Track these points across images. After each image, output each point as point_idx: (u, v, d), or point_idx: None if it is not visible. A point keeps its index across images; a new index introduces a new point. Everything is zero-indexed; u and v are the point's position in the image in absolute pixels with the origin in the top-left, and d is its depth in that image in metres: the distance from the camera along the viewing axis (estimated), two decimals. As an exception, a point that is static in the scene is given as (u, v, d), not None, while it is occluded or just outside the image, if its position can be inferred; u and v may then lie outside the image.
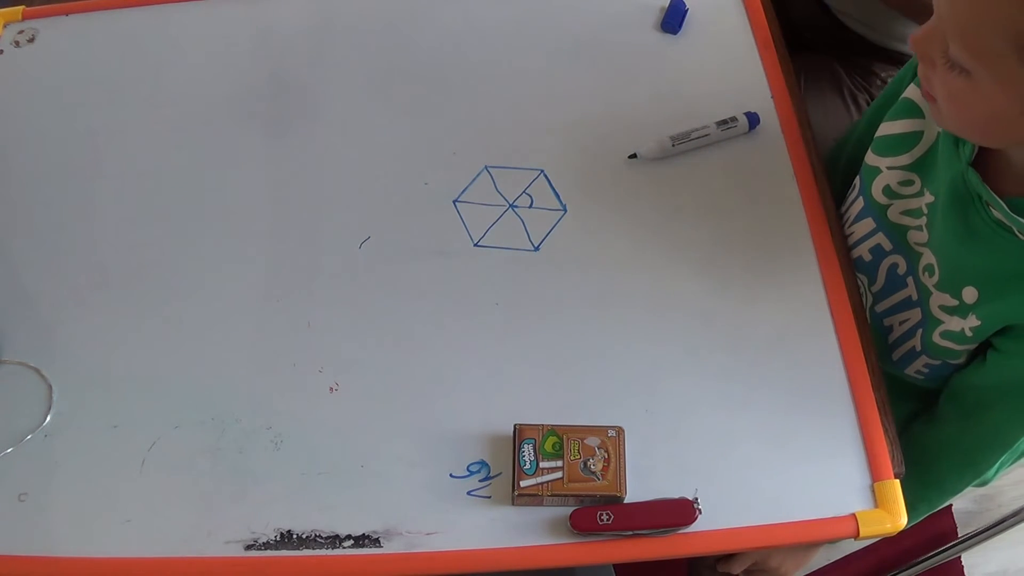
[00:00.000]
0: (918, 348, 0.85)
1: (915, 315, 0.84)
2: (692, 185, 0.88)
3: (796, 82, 0.94)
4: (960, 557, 1.34)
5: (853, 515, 0.72)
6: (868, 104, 1.17)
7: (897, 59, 1.18)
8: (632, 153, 0.89)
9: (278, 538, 0.72)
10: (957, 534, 1.36)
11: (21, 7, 1.02)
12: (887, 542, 1.24)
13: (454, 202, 0.88)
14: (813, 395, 0.77)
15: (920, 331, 0.84)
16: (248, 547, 0.72)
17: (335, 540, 0.72)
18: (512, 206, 0.87)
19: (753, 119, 0.89)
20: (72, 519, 0.74)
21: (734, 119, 0.89)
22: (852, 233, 0.87)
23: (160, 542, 0.72)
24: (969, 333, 0.77)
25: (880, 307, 0.88)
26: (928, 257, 0.80)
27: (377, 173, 0.90)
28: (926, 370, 0.87)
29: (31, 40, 1.00)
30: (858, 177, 0.87)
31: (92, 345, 0.81)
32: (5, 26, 1.01)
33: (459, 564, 0.71)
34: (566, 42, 0.97)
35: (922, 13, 0.65)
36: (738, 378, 0.78)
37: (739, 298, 0.82)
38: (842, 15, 1.19)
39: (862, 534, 0.72)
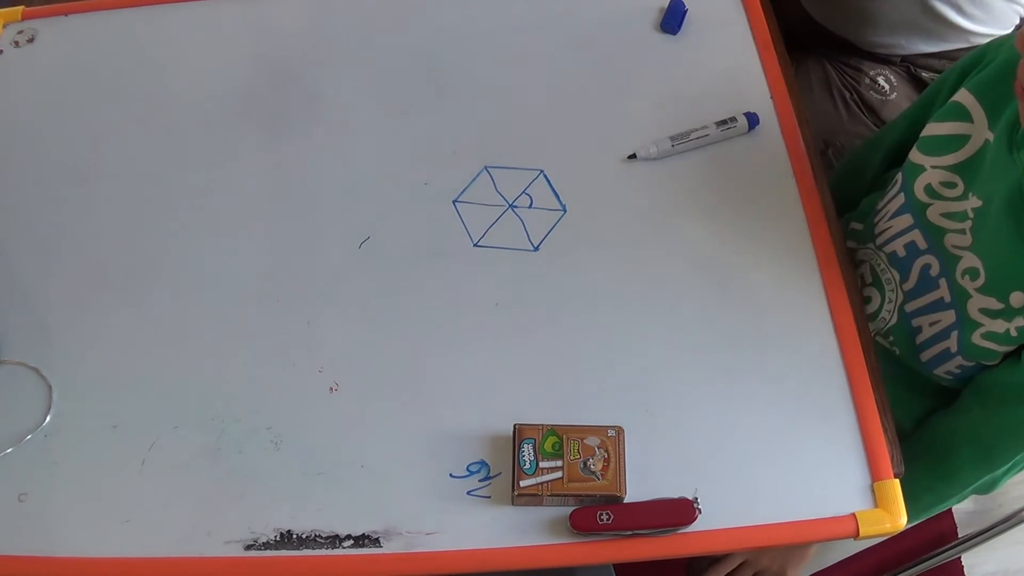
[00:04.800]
0: (953, 350, 0.85)
1: (948, 317, 0.84)
2: (692, 185, 0.88)
3: (795, 82, 0.94)
4: (960, 557, 1.34)
5: (853, 515, 0.72)
6: (857, 103, 1.18)
7: (884, 59, 1.19)
8: (631, 153, 0.89)
9: (278, 538, 0.72)
10: (957, 534, 1.36)
11: (21, 7, 1.02)
12: (887, 542, 1.24)
13: (454, 202, 0.88)
14: (813, 395, 0.77)
15: (955, 333, 0.84)
16: (248, 547, 0.72)
17: (335, 540, 0.72)
18: (512, 206, 0.87)
19: (753, 119, 0.89)
20: (72, 519, 0.74)
21: (733, 119, 0.89)
22: (889, 228, 0.88)
23: (160, 542, 0.72)
24: (1015, 333, 0.77)
25: (910, 307, 0.88)
26: (971, 261, 0.80)
27: (377, 173, 0.90)
28: (958, 371, 0.86)
29: (31, 40, 1.00)
30: (901, 173, 0.87)
31: (92, 345, 0.81)
32: (5, 26, 1.01)
33: (459, 564, 0.71)
34: (566, 42, 0.97)
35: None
36: (738, 378, 0.78)
37: (738, 298, 0.82)
38: (826, 23, 1.20)
39: (862, 534, 0.72)
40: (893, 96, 1.18)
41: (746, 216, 0.86)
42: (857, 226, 0.94)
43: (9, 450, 0.77)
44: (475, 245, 0.85)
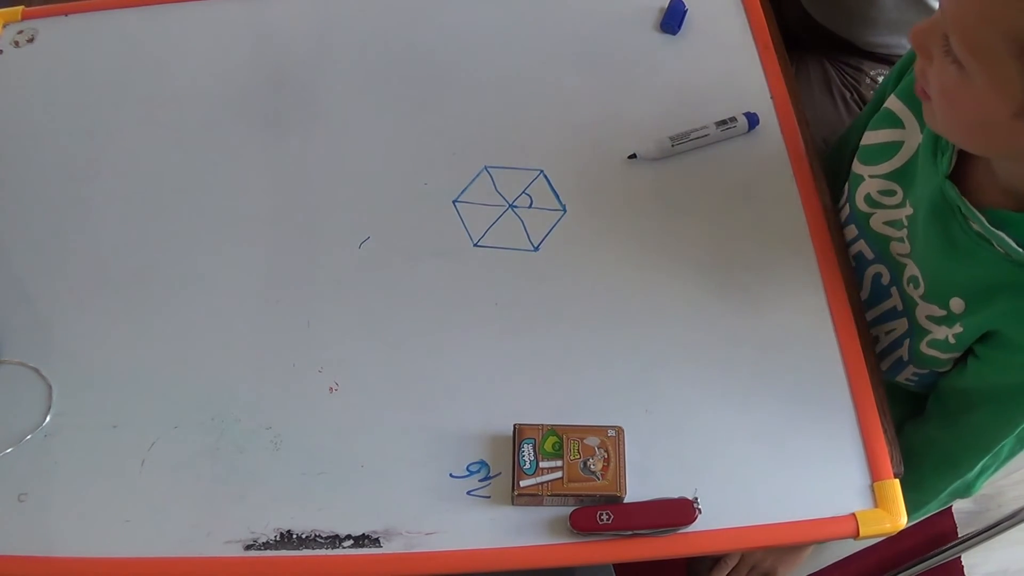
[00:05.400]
0: (905, 358, 0.85)
1: (901, 325, 0.84)
2: (691, 185, 0.88)
3: (795, 82, 0.94)
4: (960, 557, 1.34)
5: (853, 515, 0.72)
6: (857, 103, 1.18)
7: (885, 59, 1.19)
8: (632, 153, 0.89)
9: (278, 538, 0.72)
10: (957, 534, 1.36)
11: (21, 7, 1.02)
12: (887, 542, 1.24)
13: (454, 202, 0.88)
14: (813, 395, 0.77)
15: (907, 341, 0.84)
16: (248, 547, 0.72)
17: (335, 540, 0.72)
18: (512, 206, 0.87)
19: (752, 119, 0.89)
20: (72, 519, 0.74)
21: (733, 119, 0.89)
22: None
23: (160, 542, 0.72)
24: (952, 340, 0.77)
25: (867, 316, 0.88)
26: (912, 269, 0.80)
27: (377, 173, 0.90)
28: (915, 378, 0.87)
29: (31, 40, 1.00)
30: (847, 183, 0.87)
31: (92, 345, 0.81)
32: (5, 26, 1.01)
33: (459, 564, 0.71)
34: (566, 42, 0.97)
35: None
36: (738, 378, 0.78)
37: (738, 298, 0.82)
38: (826, 23, 1.20)
39: (862, 534, 0.72)
40: (893, 96, 1.18)
41: (746, 216, 0.86)
42: None
43: (9, 450, 0.77)
44: (475, 245, 0.85)
